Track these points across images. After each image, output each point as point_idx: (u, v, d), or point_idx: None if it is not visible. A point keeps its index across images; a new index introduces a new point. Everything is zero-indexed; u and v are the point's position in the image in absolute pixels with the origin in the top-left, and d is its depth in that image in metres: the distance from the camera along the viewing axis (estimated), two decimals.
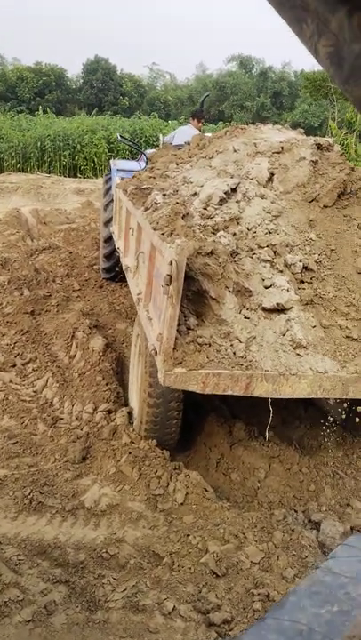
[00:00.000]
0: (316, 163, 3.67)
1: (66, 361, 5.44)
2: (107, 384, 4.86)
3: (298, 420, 4.67)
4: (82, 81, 43.69)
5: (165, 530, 3.29)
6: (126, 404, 4.70)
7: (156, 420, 3.82)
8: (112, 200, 6.98)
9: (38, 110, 27.43)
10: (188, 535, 3.24)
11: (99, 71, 41.54)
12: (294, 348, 2.83)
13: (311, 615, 0.90)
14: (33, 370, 5.30)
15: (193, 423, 4.56)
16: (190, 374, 2.62)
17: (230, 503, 3.65)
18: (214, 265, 2.81)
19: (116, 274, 7.70)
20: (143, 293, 3.36)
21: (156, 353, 2.74)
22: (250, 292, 2.95)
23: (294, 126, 5.37)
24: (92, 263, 8.83)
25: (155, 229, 3.10)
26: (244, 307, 2.91)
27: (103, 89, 41.51)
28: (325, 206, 3.45)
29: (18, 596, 2.71)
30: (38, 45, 73.66)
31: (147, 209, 3.70)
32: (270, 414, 3.22)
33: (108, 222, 7.23)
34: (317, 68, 25.28)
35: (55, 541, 3.13)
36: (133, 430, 4.15)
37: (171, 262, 2.49)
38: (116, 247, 5.42)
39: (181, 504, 3.50)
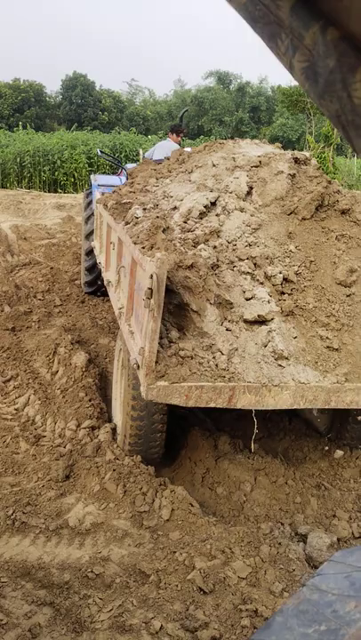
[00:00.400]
0: (293, 176, 3.71)
1: (48, 377, 5.38)
2: (90, 400, 4.81)
3: (283, 432, 4.67)
4: (61, 97, 43.84)
5: (151, 547, 3.25)
6: (110, 420, 4.66)
7: (140, 434, 3.78)
8: (92, 214, 7.07)
9: (17, 126, 27.42)
10: (175, 552, 3.20)
11: (78, 87, 41.73)
12: (276, 359, 2.85)
13: (299, 635, 0.88)
14: (14, 387, 5.23)
15: (178, 437, 4.53)
16: (173, 387, 2.62)
17: (216, 518, 3.62)
18: (195, 278, 2.82)
19: (97, 287, 7.74)
20: (125, 307, 3.37)
21: (139, 367, 2.74)
22: (231, 304, 2.96)
23: (273, 140, 5.55)
24: (73, 278, 8.79)
25: (135, 243, 3.12)
26: (225, 319, 2.92)
27: (82, 104, 41.68)
28: (304, 219, 3.49)
29: (1, 620, 2.65)
30: (16, 62, 73.87)
31: (127, 223, 3.72)
32: (255, 426, 3.22)
33: (88, 235, 7.30)
34: (294, 83, 25.71)
35: (39, 562, 3.07)
36: (117, 446, 4.11)
37: (151, 276, 2.50)
38: (98, 262, 5.47)
39: (167, 520, 3.46)
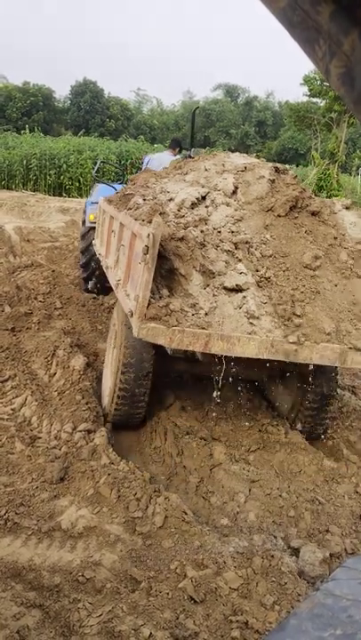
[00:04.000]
0: (273, 181, 4.26)
1: (45, 379, 5.37)
2: (86, 403, 4.79)
3: (278, 445, 4.65)
4: (69, 102, 44.08)
5: (143, 554, 3.23)
6: (105, 425, 4.64)
7: (128, 388, 4.32)
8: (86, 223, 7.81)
9: (25, 129, 27.54)
10: (167, 559, 3.18)
11: (87, 93, 41.98)
12: (248, 318, 3.37)
13: (315, 639, 0.87)
14: (12, 387, 5.21)
15: (173, 444, 4.53)
16: (159, 329, 3.14)
17: (210, 527, 3.60)
18: (184, 248, 3.39)
19: (94, 284, 8.17)
20: (122, 279, 3.82)
21: (132, 314, 3.23)
22: (213, 273, 3.51)
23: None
24: (74, 282, 8.80)
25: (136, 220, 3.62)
26: (208, 285, 3.46)
27: (90, 111, 41.92)
28: (279, 215, 4.04)
29: None
30: (26, 65, 74.31)
31: (129, 209, 4.21)
32: (221, 375, 3.73)
33: (84, 235, 8.01)
34: (301, 99, 25.89)
35: (30, 564, 3.04)
36: (113, 451, 4.11)
37: (148, 235, 3.02)
38: (98, 254, 5.92)
39: (160, 527, 3.44)
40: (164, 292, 3.30)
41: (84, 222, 8.22)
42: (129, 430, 4.87)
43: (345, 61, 0.65)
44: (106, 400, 4.83)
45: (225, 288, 3.46)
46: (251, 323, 3.35)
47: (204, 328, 3.21)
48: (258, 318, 3.38)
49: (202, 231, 3.71)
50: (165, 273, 3.37)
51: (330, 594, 0.97)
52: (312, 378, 4.49)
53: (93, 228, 6.89)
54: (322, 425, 4.91)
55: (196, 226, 3.74)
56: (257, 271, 3.65)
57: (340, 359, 3.45)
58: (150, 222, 3.35)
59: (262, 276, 3.62)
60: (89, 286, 8.29)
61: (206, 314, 3.30)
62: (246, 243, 3.76)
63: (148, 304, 3.13)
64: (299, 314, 3.47)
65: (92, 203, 7.57)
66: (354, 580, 1.00)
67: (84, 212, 8.32)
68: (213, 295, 3.41)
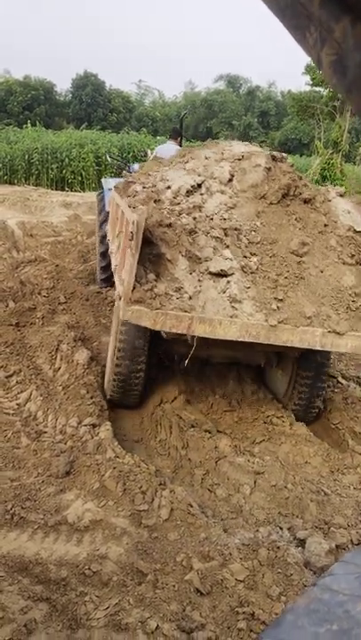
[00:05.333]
0: (269, 169, 4.32)
1: (50, 374, 5.37)
2: (91, 398, 4.80)
3: (283, 437, 4.65)
4: (71, 95, 43.89)
5: (149, 546, 3.24)
6: (110, 419, 4.65)
7: (122, 372, 4.53)
8: (103, 207, 7.84)
9: (27, 124, 27.44)
10: (173, 552, 3.19)
11: (88, 86, 41.77)
12: (231, 302, 3.47)
13: (311, 634, 0.87)
14: (17, 382, 5.23)
15: (178, 437, 4.53)
16: (144, 312, 3.25)
17: (215, 519, 3.61)
18: (171, 234, 3.52)
19: (111, 274, 7.97)
20: (119, 263, 3.89)
21: (120, 297, 3.36)
22: (200, 259, 3.60)
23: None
24: (78, 276, 8.79)
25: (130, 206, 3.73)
26: (194, 270, 3.55)
27: (92, 104, 41.70)
28: (271, 203, 4.13)
29: None
30: (28, 59, 73.96)
31: (128, 196, 4.34)
32: (192, 349, 3.75)
33: (102, 224, 7.97)
34: (304, 88, 25.70)
35: (37, 557, 3.06)
36: (118, 444, 4.12)
37: (133, 222, 3.13)
38: (107, 239, 6.00)
39: (166, 520, 3.45)
40: (151, 276, 3.40)
41: (101, 210, 8.18)
42: (133, 422, 4.89)
43: (336, 49, 0.63)
44: (106, 379, 5.08)
45: (210, 273, 3.56)
46: (233, 306, 3.45)
47: (186, 311, 3.32)
48: (240, 302, 3.48)
49: (194, 218, 3.82)
50: (153, 258, 3.48)
51: (327, 589, 0.97)
52: (303, 359, 4.66)
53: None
54: (313, 408, 5.03)
55: (189, 213, 3.85)
56: (244, 257, 3.75)
57: (320, 342, 3.55)
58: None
59: (248, 261, 3.71)
60: (106, 276, 8.14)
61: (190, 297, 3.41)
62: (236, 229, 3.86)
63: (134, 288, 3.25)
64: (281, 298, 3.58)
65: (110, 189, 7.59)
66: (351, 574, 1.00)
67: (101, 200, 8.31)
68: (198, 280, 3.52)
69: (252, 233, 3.91)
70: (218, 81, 47.80)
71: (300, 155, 33.46)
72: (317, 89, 23.74)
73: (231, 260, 3.66)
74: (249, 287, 3.59)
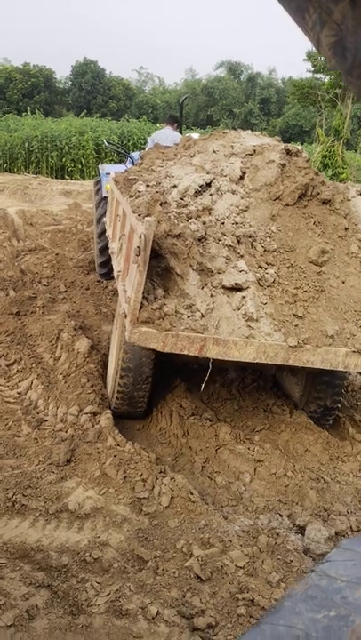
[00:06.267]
0: (284, 166, 4.00)
1: (51, 362, 5.39)
2: (92, 386, 4.81)
3: (283, 425, 4.67)
4: (70, 83, 43.58)
5: (150, 533, 3.26)
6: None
7: (127, 391, 4.28)
8: (102, 199, 7.55)
9: (26, 111, 27.27)
10: (173, 539, 3.21)
11: (88, 73, 41.47)
12: (246, 320, 3.23)
13: (308, 620, 0.87)
14: (17, 371, 5.24)
15: (178, 425, 4.54)
16: (152, 333, 3.01)
17: (215, 507, 3.63)
18: (181, 245, 3.21)
19: (111, 269, 7.83)
20: (122, 270, 3.70)
21: (126, 315, 3.11)
22: (212, 271, 3.34)
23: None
24: (78, 265, 8.78)
25: (134, 212, 3.45)
26: (206, 284, 3.30)
27: (92, 91, 41.44)
28: (287, 205, 3.84)
29: None
30: (27, 46, 73.32)
31: (131, 196, 4.02)
32: (208, 372, 3.49)
33: (99, 219, 7.64)
34: (305, 75, 25.48)
35: (38, 544, 3.08)
36: (118, 432, 4.13)
37: (140, 236, 2.86)
38: (107, 234, 5.79)
39: (166, 507, 3.47)
40: (159, 291, 3.16)
41: (99, 203, 7.93)
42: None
43: (336, 30, 0.62)
44: (109, 389, 4.80)
45: (223, 287, 3.31)
46: (249, 325, 3.22)
47: (199, 332, 3.10)
48: (257, 321, 3.24)
49: (204, 223, 3.56)
50: (161, 271, 3.23)
51: (325, 575, 0.97)
52: (320, 374, 4.45)
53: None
54: (331, 415, 4.83)
55: (198, 217, 3.59)
56: (259, 268, 3.48)
57: (343, 363, 3.31)
58: (148, 216, 3.20)
59: (264, 273, 3.45)
60: (105, 270, 7.92)
61: (202, 316, 3.17)
62: (250, 237, 3.59)
63: (141, 307, 3.01)
64: (301, 315, 3.34)
65: (107, 174, 7.45)
66: (349, 561, 1.00)
67: (98, 189, 8.09)
68: (211, 295, 3.27)
69: (268, 239, 3.63)
70: (219, 67, 47.44)
71: (301, 142, 33.28)
72: (319, 76, 23.54)
73: (246, 272, 3.37)
74: (266, 303, 3.34)
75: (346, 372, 4.47)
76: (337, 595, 0.92)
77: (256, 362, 3.21)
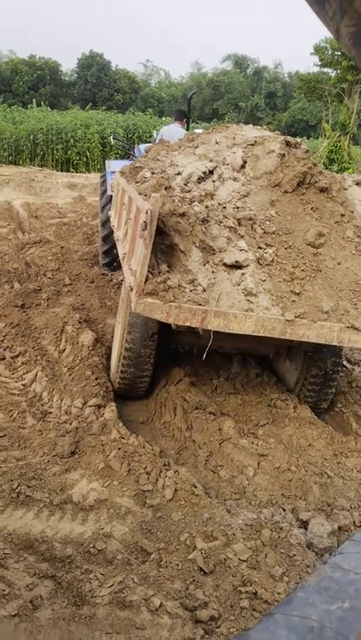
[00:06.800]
0: (283, 156, 4.12)
1: (55, 355, 5.39)
2: (96, 379, 4.82)
3: (287, 419, 4.67)
4: (76, 75, 43.45)
5: (154, 526, 3.27)
6: (115, 400, 4.67)
7: (134, 348, 4.43)
8: (105, 192, 7.77)
9: (32, 104, 27.22)
10: (177, 531, 3.22)
11: (93, 66, 41.34)
12: (246, 295, 3.34)
13: (322, 611, 0.87)
14: (22, 363, 5.25)
15: (182, 418, 4.55)
16: (156, 304, 3.14)
17: (219, 500, 3.64)
18: (185, 224, 3.35)
19: (113, 258, 7.99)
20: (127, 252, 3.81)
21: (132, 289, 3.23)
22: (214, 250, 3.46)
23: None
24: (83, 258, 8.78)
25: (140, 194, 3.61)
26: (208, 261, 3.42)
27: (97, 84, 41.33)
28: (286, 191, 3.97)
29: (3, 590, 2.68)
30: (34, 38, 73.05)
31: (137, 182, 4.18)
32: (210, 341, 3.60)
33: (103, 208, 7.91)
34: (312, 69, 25.32)
35: (42, 535, 3.10)
36: (123, 425, 4.14)
37: (146, 211, 2.99)
38: (112, 225, 5.87)
39: (170, 500, 3.48)
40: (164, 267, 3.29)
41: (103, 193, 8.09)
42: (138, 404, 4.91)
43: (356, 20, 0.62)
44: (113, 368, 4.96)
45: (224, 264, 3.43)
46: (248, 300, 3.34)
47: (200, 304, 3.22)
48: (255, 295, 3.36)
49: (206, 206, 3.67)
50: (165, 248, 3.36)
51: (338, 567, 0.97)
52: (316, 354, 4.58)
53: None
54: (326, 400, 4.96)
55: (201, 201, 3.70)
56: (259, 248, 3.61)
57: (338, 338, 3.44)
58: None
59: (263, 253, 3.58)
60: (108, 260, 8.11)
61: (204, 290, 3.30)
62: (250, 219, 3.72)
63: (146, 279, 3.13)
64: (297, 292, 3.46)
65: (112, 172, 7.51)
66: None
67: (103, 182, 8.21)
68: (212, 272, 3.40)
69: (267, 223, 3.77)
70: (225, 61, 47.21)
71: (307, 137, 33.14)
72: (326, 70, 23.42)
73: (246, 251, 3.52)
74: (264, 280, 3.47)
75: (341, 359, 4.74)
76: (350, 586, 0.93)
77: (255, 334, 3.33)
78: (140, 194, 3.61)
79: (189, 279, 3.31)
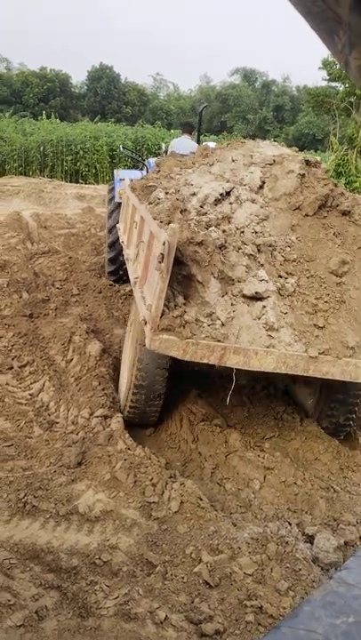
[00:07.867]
0: (303, 176, 4.00)
1: (63, 365, 5.42)
2: (103, 389, 4.84)
3: (294, 433, 4.66)
4: (86, 88, 43.89)
5: (159, 538, 3.27)
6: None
7: (139, 407, 4.27)
8: (115, 208, 7.53)
9: (42, 115, 27.49)
10: (182, 544, 3.22)
11: (103, 79, 41.75)
12: (267, 330, 3.22)
13: (327, 625, 0.89)
14: (30, 373, 5.28)
15: (188, 430, 4.56)
16: (173, 341, 3.00)
17: (225, 513, 3.64)
18: (203, 253, 3.22)
19: (120, 276, 7.95)
20: (140, 277, 3.69)
21: (146, 322, 3.11)
22: (232, 280, 3.33)
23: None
24: (91, 268, 8.83)
25: (155, 219, 3.46)
26: (226, 293, 3.29)
27: (107, 96, 41.71)
28: (307, 215, 3.84)
29: (9, 600, 2.68)
30: (43, 50, 73.96)
31: (150, 203, 4.06)
32: (233, 383, 3.50)
33: (111, 230, 7.73)
34: (320, 83, 25.49)
35: (48, 546, 3.10)
36: (129, 437, 4.15)
37: (164, 242, 2.84)
38: (121, 240, 5.80)
39: (176, 512, 3.48)
40: (180, 299, 3.14)
41: (111, 200, 8.03)
42: None
43: None
44: (122, 396, 4.73)
45: (244, 296, 3.30)
46: (269, 335, 3.20)
47: (219, 340, 3.08)
48: (277, 330, 3.22)
49: (224, 231, 3.54)
50: (182, 279, 3.22)
51: (343, 582, 0.98)
52: (334, 392, 4.43)
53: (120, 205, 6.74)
54: (344, 427, 4.78)
55: (218, 225, 3.58)
56: (279, 277, 3.47)
57: None
58: (169, 223, 3.20)
59: (284, 282, 3.43)
60: (115, 278, 8.02)
61: (223, 324, 3.16)
62: (270, 246, 3.58)
63: (162, 314, 2.99)
64: (321, 325, 3.32)
65: (121, 179, 7.51)
66: None
67: (111, 190, 8.20)
68: (231, 304, 3.26)
69: (288, 249, 3.62)
70: (234, 74, 47.58)
71: (314, 150, 33.26)
72: (334, 84, 23.54)
73: (266, 281, 3.36)
74: (286, 312, 3.32)
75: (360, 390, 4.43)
76: (355, 601, 0.94)
77: (276, 372, 3.18)
78: (154, 218, 3.49)
79: (207, 312, 3.17)
